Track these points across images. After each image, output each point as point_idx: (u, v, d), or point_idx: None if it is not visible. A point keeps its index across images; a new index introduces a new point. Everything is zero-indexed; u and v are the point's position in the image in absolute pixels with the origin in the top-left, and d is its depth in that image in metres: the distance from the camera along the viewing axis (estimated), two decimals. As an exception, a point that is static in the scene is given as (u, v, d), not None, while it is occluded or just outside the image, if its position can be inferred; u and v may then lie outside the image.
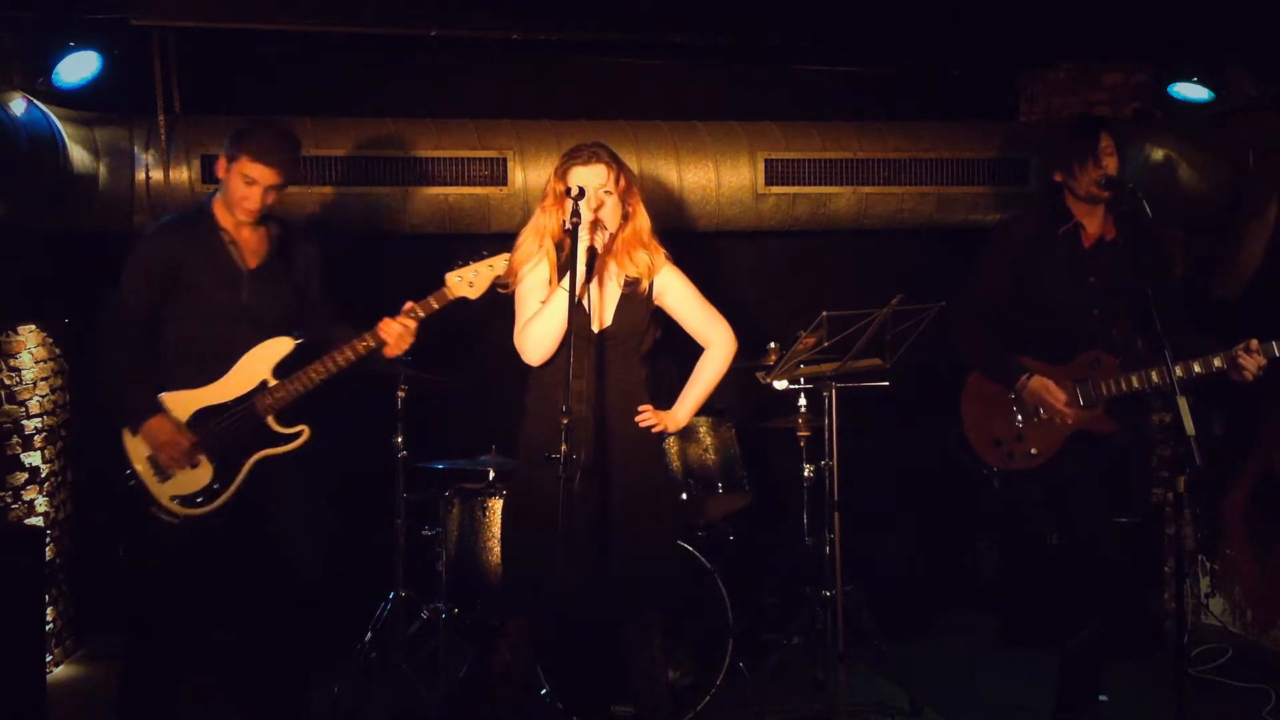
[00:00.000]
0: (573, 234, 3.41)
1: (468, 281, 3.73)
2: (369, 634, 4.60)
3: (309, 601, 3.96)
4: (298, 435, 3.86)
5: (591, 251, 3.45)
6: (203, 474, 3.80)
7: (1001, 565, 5.60)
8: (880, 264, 5.62)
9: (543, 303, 3.52)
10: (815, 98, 5.65)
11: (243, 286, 3.83)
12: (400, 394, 4.63)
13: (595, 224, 3.48)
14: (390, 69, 5.34)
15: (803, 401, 4.73)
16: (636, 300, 3.60)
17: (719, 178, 5.14)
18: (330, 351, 3.81)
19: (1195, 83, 5.14)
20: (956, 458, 4.16)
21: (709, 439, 4.66)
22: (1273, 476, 5.09)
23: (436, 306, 3.78)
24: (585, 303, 3.54)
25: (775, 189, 5.19)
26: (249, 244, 3.87)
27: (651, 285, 3.62)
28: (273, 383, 3.81)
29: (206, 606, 4.00)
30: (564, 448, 3.27)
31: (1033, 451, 3.97)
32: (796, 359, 4.32)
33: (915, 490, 5.68)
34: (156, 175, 4.72)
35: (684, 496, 4.59)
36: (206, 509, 3.79)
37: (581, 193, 3.41)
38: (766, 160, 5.16)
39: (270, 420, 3.82)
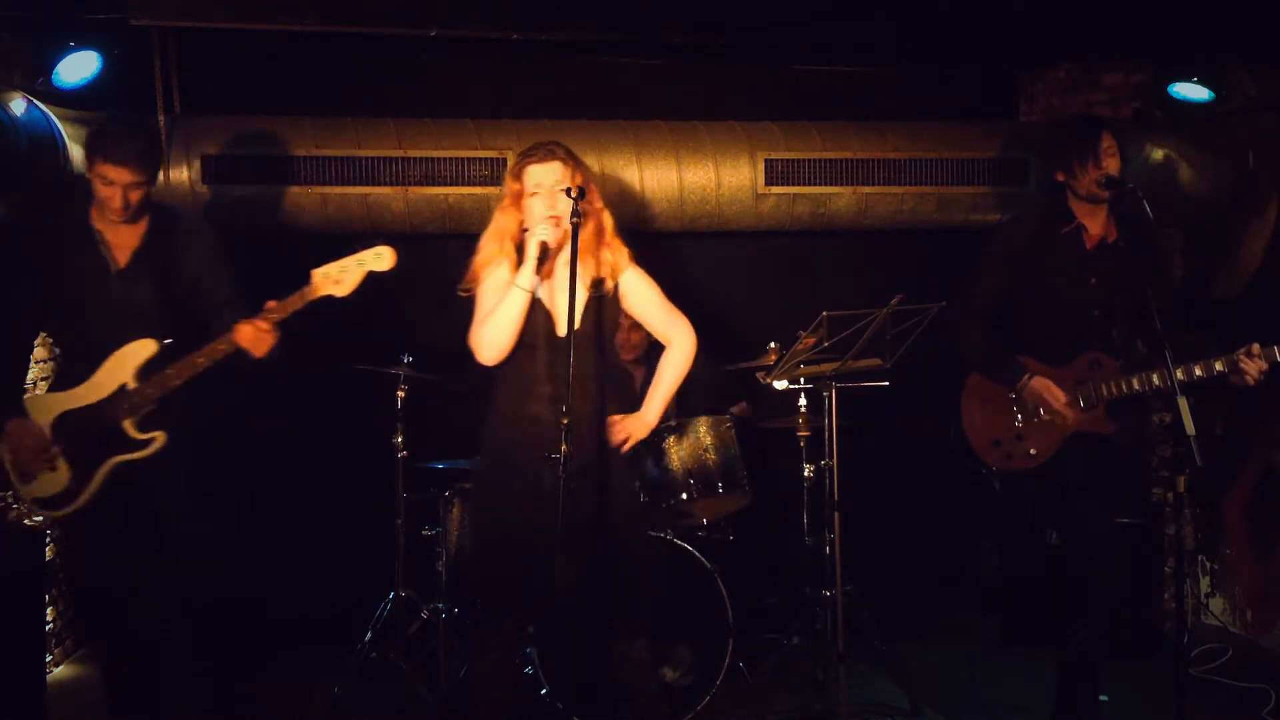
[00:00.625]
0: (574, 232, 3.41)
1: (334, 279, 3.63)
2: (369, 634, 4.60)
3: (197, 605, 3.92)
4: (150, 441, 3.78)
5: (543, 248, 3.44)
6: (61, 477, 3.78)
7: (1001, 565, 5.59)
8: (880, 264, 5.61)
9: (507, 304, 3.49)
10: (815, 98, 5.65)
11: (111, 286, 3.78)
12: (400, 394, 4.63)
13: (553, 221, 3.47)
14: (390, 69, 5.34)
15: (803, 401, 4.73)
16: (603, 301, 3.58)
17: (719, 178, 5.14)
18: (188, 355, 3.72)
19: (1195, 83, 5.13)
20: (956, 458, 4.17)
21: (709, 439, 4.66)
22: (1273, 476, 5.09)
23: (299, 305, 3.66)
24: (547, 303, 3.53)
25: (775, 189, 5.19)
26: (121, 242, 3.80)
27: (617, 286, 3.60)
28: (132, 386, 3.75)
29: (127, 606, 3.99)
30: (564, 448, 3.27)
31: (1032, 452, 3.97)
32: (796, 359, 4.32)
33: (915, 490, 5.68)
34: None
35: (684, 496, 4.59)
36: (64, 511, 3.79)
37: (582, 193, 3.41)
38: (766, 160, 5.16)
39: (127, 425, 3.76)
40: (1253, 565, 5.24)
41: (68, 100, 4.60)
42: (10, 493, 3.90)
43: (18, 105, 4.21)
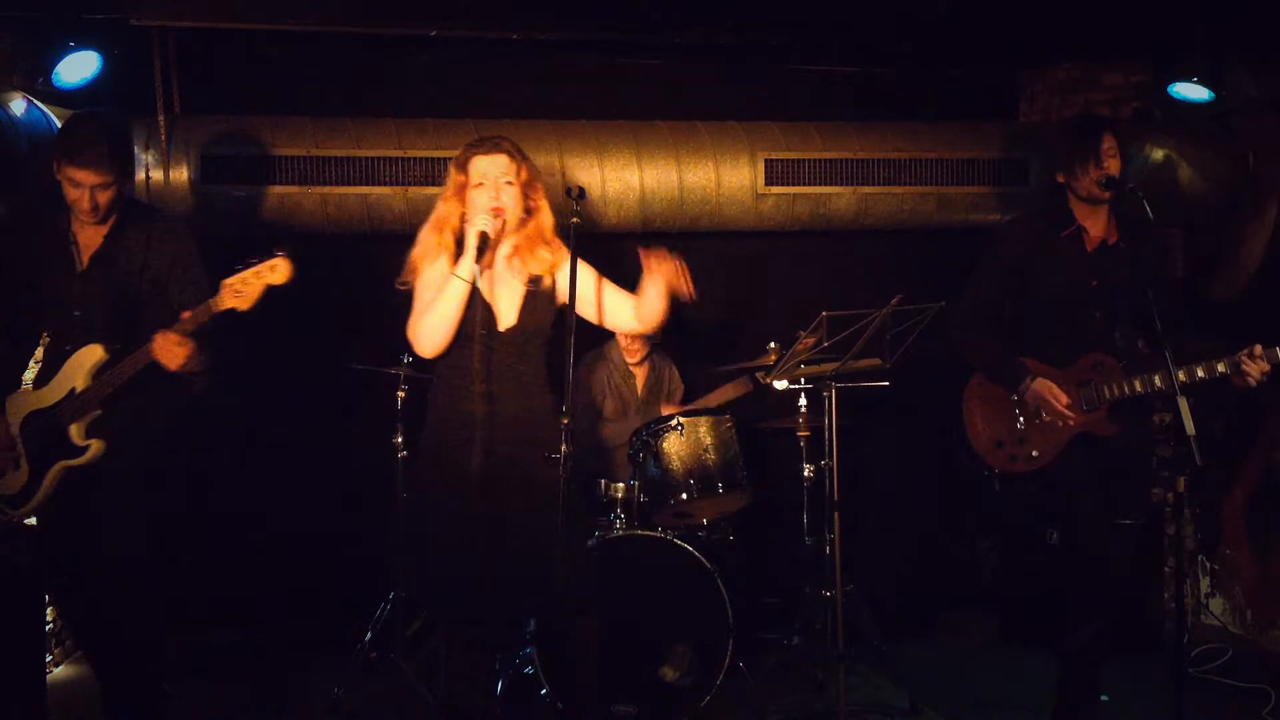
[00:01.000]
0: (573, 232, 3.40)
1: (235, 290, 3.46)
2: (369, 634, 4.60)
3: (131, 617, 3.83)
4: (87, 449, 3.69)
5: (484, 238, 3.42)
6: (22, 476, 3.76)
7: (1001, 565, 5.60)
8: (880, 264, 5.62)
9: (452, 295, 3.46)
10: (815, 98, 5.65)
11: (75, 287, 3.72)
12: (400, 394, 4.63)
13: (495, 213, 3.45)
14: (390, 69, 5.34)
15: (803, 401, 4.74)
16: (541, 298, 3.56)
17: (719, 178, 5.14)
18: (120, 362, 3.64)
19: (1195, 83, 5.13)
20: (957, 458, 4.17)
21: (709, 439, 4.65)
22: (1273, 476, 5.09)
23: (205, 318, 3.51)
24: (487, 296, 3.51)
25: (775, 189, 5.19)
26: (86, 242, 3.73)
27: (555, 282, 3.58)
28: (80, 390, 3.69)
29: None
30: (565, 448, 3.26)
31: (1034, 453, 3.97)
32: (796, 359, 4.33)
33: (915, 490, 5.68)
34: (156, 175, 4.73)
35: (684, 496, 4.59)
36: (20, 511, 3.76)
37: (582, 193, 3.41)
38: (766, 160, 5.16)
39: (72, 429, 3.69)
40: (1253, 565, 5.24)
41: (68, 100, 4.61)
42: None
43: (18, 105, 4.21)
